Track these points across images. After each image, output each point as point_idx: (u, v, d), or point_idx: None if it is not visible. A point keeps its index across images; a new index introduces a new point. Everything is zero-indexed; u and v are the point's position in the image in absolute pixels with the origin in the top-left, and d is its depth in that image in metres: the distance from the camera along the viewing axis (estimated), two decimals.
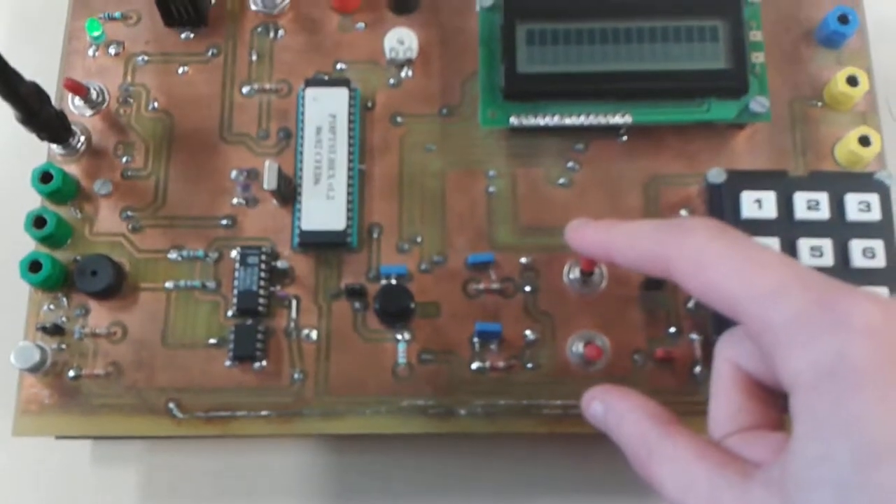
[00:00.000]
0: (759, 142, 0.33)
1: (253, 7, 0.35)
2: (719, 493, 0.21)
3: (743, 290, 0.21)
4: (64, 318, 0.32)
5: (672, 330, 0.31)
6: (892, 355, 0.19)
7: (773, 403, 0.23)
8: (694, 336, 0.31)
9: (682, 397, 0.31)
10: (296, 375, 0.31)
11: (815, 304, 0.20)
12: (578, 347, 0.31)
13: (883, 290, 0.29)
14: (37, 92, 0.30)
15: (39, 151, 0.33)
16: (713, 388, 0.24)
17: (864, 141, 0.32)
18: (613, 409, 0.25)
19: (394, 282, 0.32)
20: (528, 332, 0.32)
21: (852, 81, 0.33)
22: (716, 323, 0.31)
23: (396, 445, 0.33)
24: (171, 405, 0.31)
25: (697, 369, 0.31)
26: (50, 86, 0.32)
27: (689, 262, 0.22)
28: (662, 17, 0.33)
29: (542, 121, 0.32)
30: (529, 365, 0.31)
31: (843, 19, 0.34)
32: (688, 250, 0.22)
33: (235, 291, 0.31)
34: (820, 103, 0.34)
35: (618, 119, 0.32)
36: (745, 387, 0.23)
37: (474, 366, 0.31)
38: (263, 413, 0.31)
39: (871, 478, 0.18)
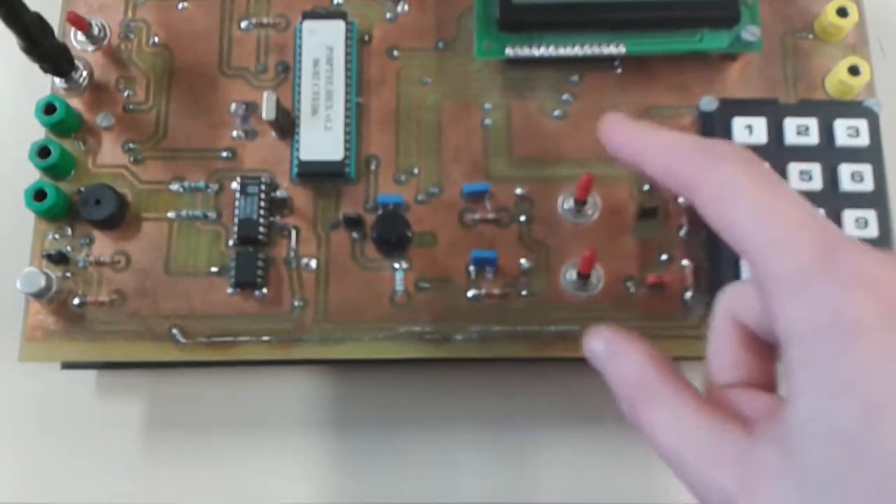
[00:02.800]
0: (750, 73, 0.34)
1: None
2: (719, 444, 0.20)
3: (754, 233, 0.20)
4: (68, 247, 0.32)
5: (664, 257, 0.32)
6: (893, 309, 0.18)
7: (770, 359, 0.23)
8: (685, 263, 0.32)
9: (674, 322, 0.32)
10: (296, 303, 0.32)
11: (819, 255, 0.19)
12: (572, 275, 0.32)
13: (871, 214, 0.30)
14: (39, 21, 0.31)
15: (43, 85, 0.34)
16: (711, 339, 0.24)
17: (854, 70, 0.32)
18: (615, 346, 0.23)
19: (391, 210, 0.32)
20: (522, 261, 0.32)
21: (842, 13, 0.33)
22: (708, 249, 0.31)
23: (394, 371, 0.33)
24: (175, 331, 0.32)
25: (688, 295, 0.32)
26: (53, 21, 0.33)
27: (711, 192, 0.21)
28: None
29: (536, 51, 0.33)
30: (524, 292, 0.32)
31: None
32: (713, 180, 0.21)
33: (236, 220, 0.32)
34: (811, 35, 0.34)
35: (612, 49, 0.33)
36: (743, 340, 0.23)
37: (470, 293, 0.32)
38: (264, 339, 0.32)
39: (877, 430, 0.17)
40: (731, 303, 0.23)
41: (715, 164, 0.22)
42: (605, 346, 0.23)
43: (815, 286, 0.19)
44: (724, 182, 0.21)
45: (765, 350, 0.22)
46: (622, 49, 0.33)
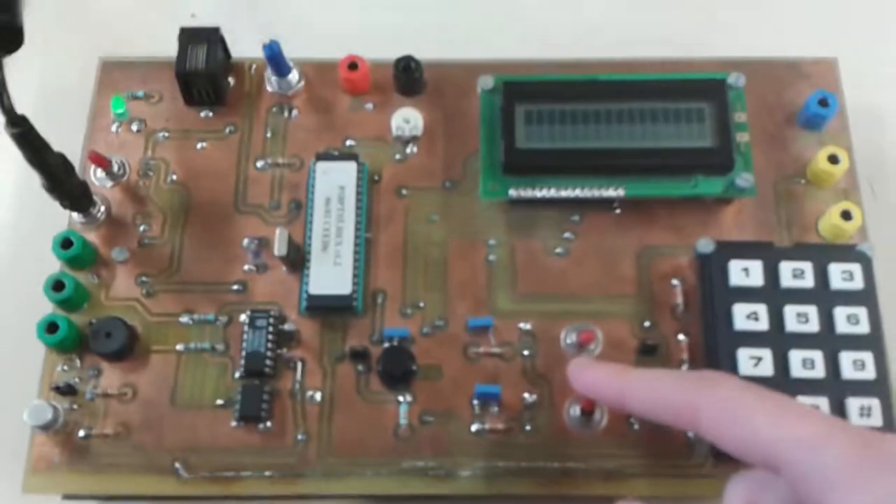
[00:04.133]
0: (745, 217, 0.35)
1: (269, 89, 0.38)
2: None
3: (785, 435, 0.21)
4: (77, 379, 0.33)
5: None
6: None
7: None
8: None
9: (677, 460, 0.31)
10: (299, 436, 0.32)
11: (861, 447, 0.20)
12: (575, 411, 0.32)
13: (868, 356, 0.31)
14: (63, 162, 0.32)
15: (61, 218, 0.35)
16: None
17: (846, 215, 0.34)
18: None
19: (396, 344, 0.33)
20: (526, 395, 0.32)
21: (833, 159, 0.35)
22: None
23: None
24: (178, 465, 0.32)
25: (692, 434, 0.32)
26: (74, 157, 0.34)
27: (721, 411, 0.23)
28: (652, 100, 0.35)
29: (539, 193, 0.34)
30: (528, 427, 0.32)
31: (824, 102, 0.36)
32: (716, 402, 0.23)
33: (243, 353, 0.33)
34: (803, 181, 0.36)
35: (611, 192, 0.34)
36: None
37: (474, 427, 0.32)
38: (267, 473, 0.32)
39: None
40: (745, 493, 0.23)
41: (713, 387, 0.23)
42: None
43: (867, 475, 0.20)
44: (728, 401, 0.23)
45: None
46: (621, 192, 0.34)
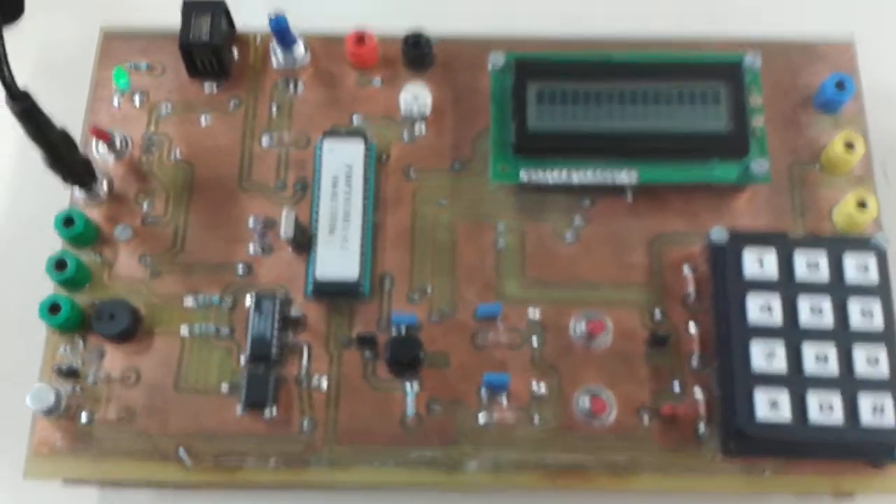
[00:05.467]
0: (758, 203, 0.34)
1: (274, 63, 0.36)
2: None
3: None
4: (79, 361, 0.32)
5: (677, 386, 0.32)
6: None
7: None
8: (698, 393, 0.32)
9: (687, 455, 0.31)
10: (305, 423, 0.32)
11: None
12: (584, 402, 0.32)
13: (881, 352, 0.30)
14: (65, 138, 0.31)
15: (63, 196, 0.34)
16: None
17: (862, 205, 0.33)
18: None
19: (404, 331, 0.32)
20: (534, 385, 0.32)
21: (849, 146, 0.34)
22: (721, 379, 0.31)
23: (404, 496, 0.33)
24: (181, 451, 0.31)
25: (701, 427, 0.31)
26: (75, 131, 0.33)
27: None
28: (667, 81, 0.34)
29: (550, 177, 0.34)
30: (536, 418, 0.32)
31: (840, 85, 0.35)
32: None
33: (249, 338, 0.32)
34: (818, 166, 0.35)
35: (624, 177, 0.33)
36: None
37: (481, 417, 0.32)
38: (272, 461, 0.31)
39: None
40: None
41: None
42: None
43: None
44: None
45: None
46: (634, 177, 0.33)
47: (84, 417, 0.32)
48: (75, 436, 0.31)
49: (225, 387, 0.32)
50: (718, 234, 0.32)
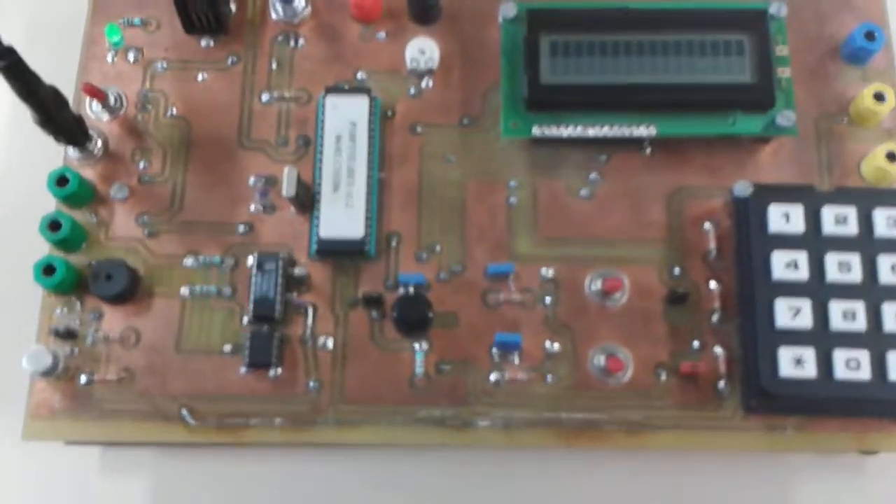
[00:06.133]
0: (783, 157, 0.33)
1: (274, 16, 0.35)
2: None
3: None
4: (77, 323, 0.31)
5: (696, 344, 0.31)
6: None
7: None
8: (718, 350, 0.31)
9: (706, 412, 0.30)
10: (311, 384, 0.31)
11: None
12: (600, 360, 0.31)
13: None
14: (55, 95, 0.30)
15: (56, 155, 0.33)
16: None
17: (892, 157, 0.32)
18: None
19: (412, 291, 0.31)
20: (547, 344, 0.31)
21: (879, 97, 0.32)
22: (742, 336, 0.30)
23: (412, 456, 0.32)
24: (184, 412, 0.30)
25: (721, 384, 0.30)
26: (68, 90, 0.32)
27: None
28: (688, 31, 0.32)
29: (564, 131, 0.32)
30: (549, 377, 0.31)
31: (870, 36, 0.33)
32: None
33: (251, 298, 0.31)
34: (845, 119, 0.33)
35: (642, 131, 0.32)
36: None
37: (492, 377, 0.31)
38: (277, 421, 0.30)
39: None
40: None
41: None
42: None
43: None
44: None
45: None
46: (653, 131, 0.32)
47: (83, 379, 0.31)
48: (74, 397, 0.31)
49: (228, 347, 0.31)
50: (742, 188, 0.31)
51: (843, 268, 0.29)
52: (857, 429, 0.30)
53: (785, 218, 0.30)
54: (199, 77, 0.34)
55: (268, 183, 0.33)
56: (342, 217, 0.32)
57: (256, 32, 0.35)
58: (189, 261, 0.32)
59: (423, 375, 0.31)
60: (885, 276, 0.29)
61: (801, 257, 0.30)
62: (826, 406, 0.29)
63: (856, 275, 0.29)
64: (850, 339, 0.29)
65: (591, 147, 0.33)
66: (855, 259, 0.29)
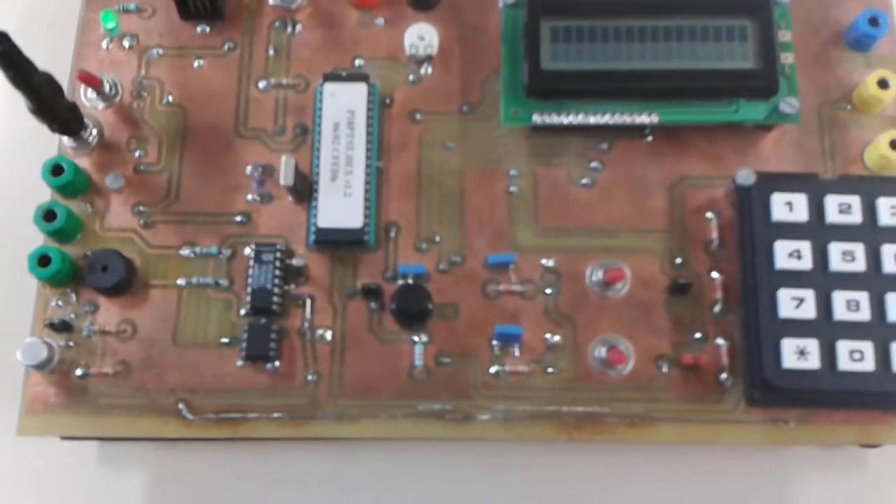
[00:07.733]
0: (786, 145, 0.32)
1: (270, 2, 0.35)
2: None
3: None
4: (72, 315, 0.31)
5: (697, 335, 0.31)
6: None
7: None
8: (720, 342, 0.30)
9: (708, 405, 0.30)
10: (309, 377, 0.30)
11: None
12: (601, 352, 0.30)
13: None
14: (49, 82, 0.30)
15: (51, 144, 0.33)
16: None
17: (895, 144, 0.31)
18: None
19: (411, 282, 0.31)
20: (548, 336, 0.31)
21: (883, 84, 0.32)
22: (745, 328, 0.30)
23: (412, 450, 0.32)
24: (181, 406, 0.30)
25: (724, 376, 0.30)
26: (62, 78, 0.32)
27: None
28: (690, 16, 0.32)
29: (565, 119, 0.32)
30: (550, 369, 0.30)
31: (874, 21, 0.33)
32: None
33: (249, 289, 0.31)
34: (849, 106, 0.33)
35: (644, 118, 0.32)
36: None
37: (493, 369, 0.30)
38: (275, 415, 0.30)
39: None
40: None
41: None
42: None
43: None
44: None
45: None
46: (655, 118, 0.31)
47: (79, 372, 0.30)
48: (70, 391, 0.30)
49: (225, 340, 0.31)
50: (745, 176, 0.31)
51: (846, 257, 0.29)
52: (860, 421, 0.30)
53: (788, 207, 0.30)
54: (195, 64, 0.34)
55: (265, 172, 0.32)
56: (340, 206, 0.31)
57: (253, 18, 0.34)
58: (185, 251, 0.32)
59: (422, 368, 0.30)
60: (889, 265, 0.29)
61: (805, 247, 0.29)
62: (830, 398, 0.29)
63: (860, 264, 0.29)
64: (853, 330, 0.28)
65: (593, 135, 0.33)
66: (859, 248, 0.29)
